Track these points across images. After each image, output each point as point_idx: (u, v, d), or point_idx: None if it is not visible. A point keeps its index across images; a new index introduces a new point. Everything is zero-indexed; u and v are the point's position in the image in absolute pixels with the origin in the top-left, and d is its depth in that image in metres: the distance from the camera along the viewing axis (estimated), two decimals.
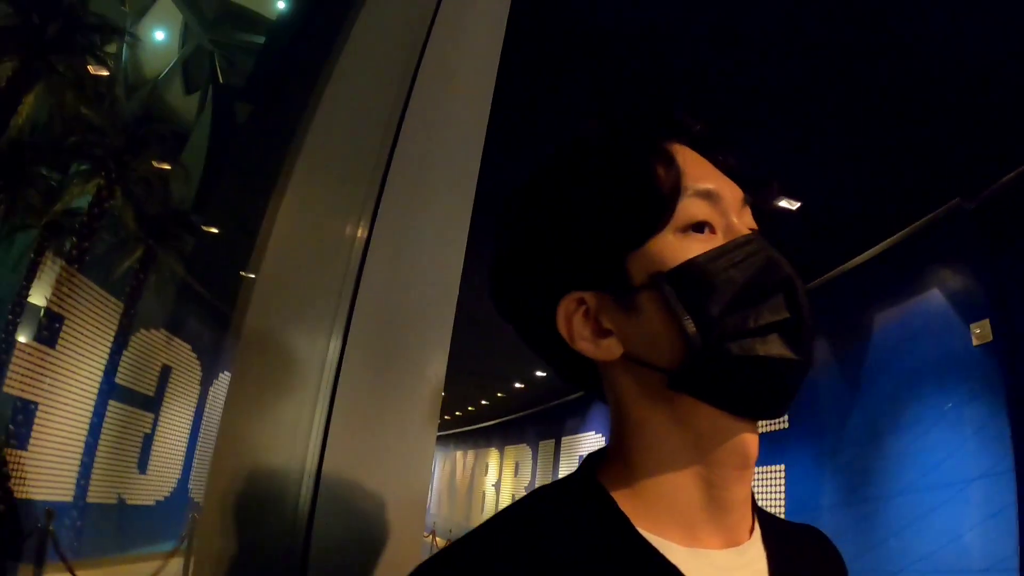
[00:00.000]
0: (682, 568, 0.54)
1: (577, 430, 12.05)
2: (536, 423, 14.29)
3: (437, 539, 11.68)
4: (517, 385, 12.19)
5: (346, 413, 1.12)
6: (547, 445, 13.41)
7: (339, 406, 1.11)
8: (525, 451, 14.65)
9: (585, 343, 0.60)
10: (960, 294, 4.42)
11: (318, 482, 1.07)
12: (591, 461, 0.64)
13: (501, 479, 16.10)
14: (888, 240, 5.12)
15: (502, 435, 16.36)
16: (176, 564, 6.21)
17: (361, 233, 1.24)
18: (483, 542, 0.57)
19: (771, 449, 6.36)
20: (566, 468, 12.16)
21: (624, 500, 0.58)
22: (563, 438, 12.65)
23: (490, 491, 16.63)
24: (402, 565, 1.05)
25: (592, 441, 11.26)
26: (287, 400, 1.13)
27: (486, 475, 17.19)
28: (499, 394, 13.19)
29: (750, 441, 0.58)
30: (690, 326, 0.55)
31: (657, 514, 0.58)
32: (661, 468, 0.59)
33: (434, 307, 1.32)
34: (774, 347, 0.55)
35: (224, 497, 1.06)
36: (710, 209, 0.59)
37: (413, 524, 1.17)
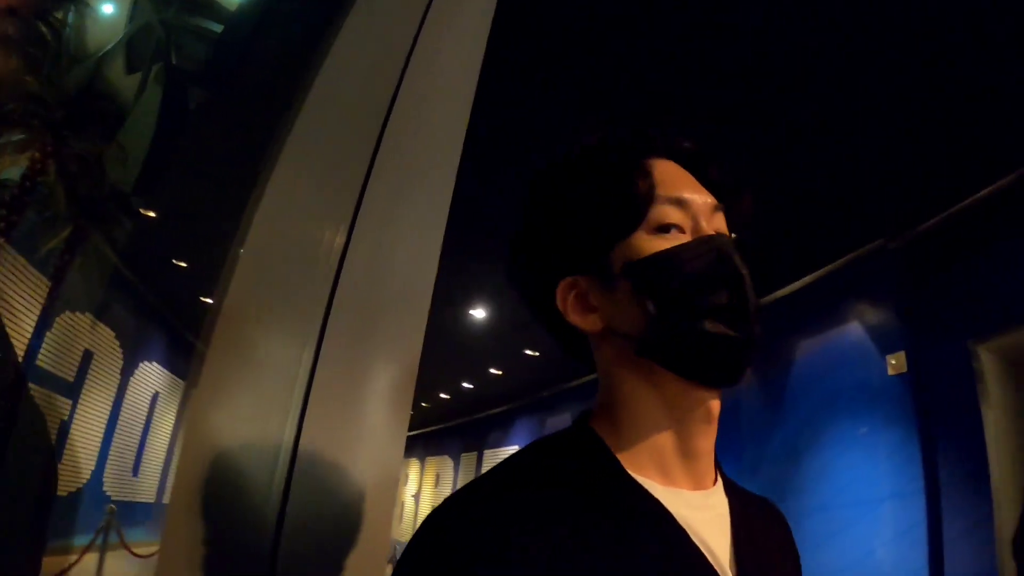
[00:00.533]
0: (663, 502, 0.66)
1: (500, 443, 12.02)
2: (459, 435, 14.21)
3: None
4: (442, 396, 12.16)
5: (319, 417, 1.11)
6: (469, 458, 13.34)
7: (312, 412, 1.11)
8: (447, 463, 14.54)
9: (576, 316, 0.76)
10: (878, 327, 4.68)
11: (287, 493, 1.06)
12: (583, 418, 0.78)
13: (421, 490, 15.92)
14: (813, 274, 5.36)
15: (424, 446, 16.19)
16: (91, 559, 5.81)
17: (339, 239, 1.23)
18: (495, 483, 0.67)
19: None
20: None
21: (614, 447, 0.71)
22: (486, 451, 12.61)
23: (409, 501, 16.42)
24: (372, 555, 1.11)
25: None
26: (258, 408, 1.11)
27: (406, 485, 16.89)
28: (423, 404, 13.11)
29: (711, 401, 0.71)
30: (650, 305, 0.69)
31: (639, 459, 0.70)
32: (640, 421, 0.72)
33: (407, 310, 1.32)
34: (716, 326, 0.68)
35: (192, 491, 1.04)
36: (680, 214, 0.74)
37: (382, 524, 1.17)
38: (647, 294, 0.70)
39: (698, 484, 0.72)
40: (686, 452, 0.71)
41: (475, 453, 13.06)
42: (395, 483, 1.23)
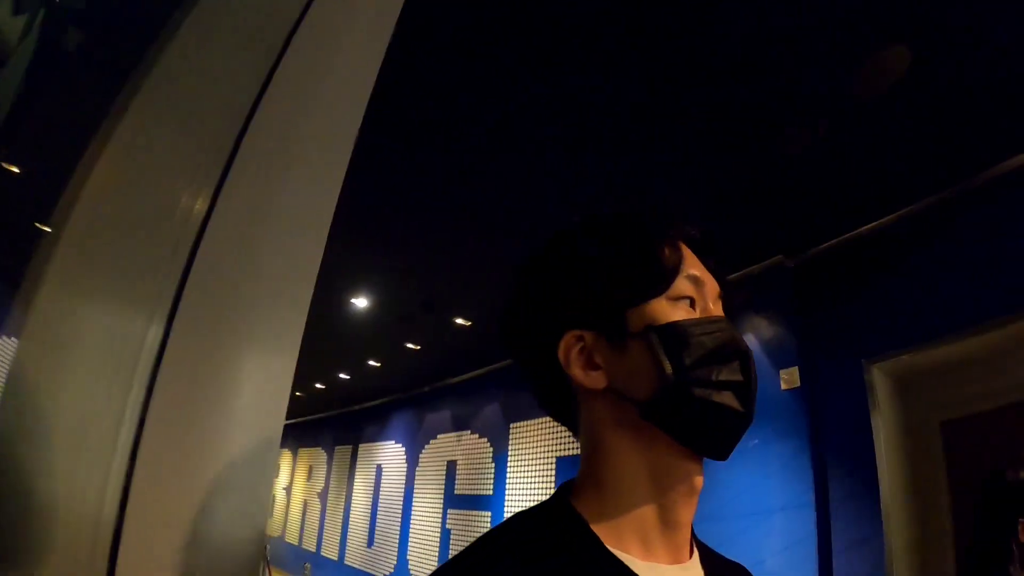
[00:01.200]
0: None
1: (376, 438, 11.71)
2: (333, 427, 13.75)
3: None
4: (318, 385, 11.69)
5: (163, 419, 0.95)
6: (343, 451, 12.91)
7: (155, 411, 0.95)
8: (320, 455, 14.02)
9: (578, 371, 0.77)
10: (773, 342, 4.81)
11: (124, 503, 0.91)
12: (564, 488, 0.79)
13: (293, 483, 15.35)
14: None
15: (297, 437, 15.56)
16: None
17: (200, 205, 1.08)
18: (477, 559, 0.67)
19: (576, 472, 6.49)
20: (363, 476, 11.83)
21: (594, 520, 0.72)
22: (360, 445, 12.25)
23: (281, 494, 15.79)
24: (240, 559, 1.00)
25: (391, 450, 11.00)
26: (86, 390, 0.96)
27: (278, 477, 16.26)
28: (297, 393, 12.58)
29: (697, 475, 0.75)
30: (667, 367, 0.72)
31: (621, 532, 0.72)
32: (625, 489, 0.74)
33: (283, 300, 1.17)
34: (727, 399, 0.72)
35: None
36: (695, 291, 0.78)
37: (250, 529, 1.04)
38: (667, 358, 0.72)
39: (676, 557, 0.75)
40: (668, 523, 0.74)
41: (350, 446, 12.66)
42: (268, 491, 1.11)
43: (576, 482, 0.79)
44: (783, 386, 4.54)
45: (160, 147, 1.13)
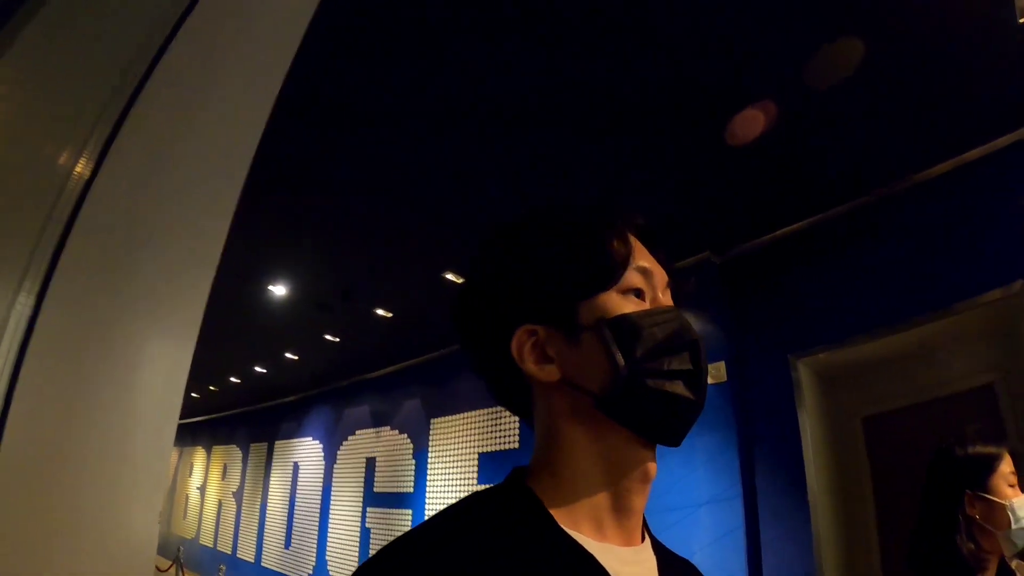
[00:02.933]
0: (597, 557, 0.68)
1: (292, 434, 11.40)
2: (248, 423, 13.31)
3: None
4: (232, 380, 11.28)
5: (29, 413, 0.83)
6: (259, 448, 12.51)
7: (18, 403, 0.82)
8: (235, 453, 13.55)
9: (531, 365, 0.77)
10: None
11: None
12: (518, 471, 0.78)
13: (207, 482, 14.77)
14: None
15: (211, 433, 15.02)
16: None
17: (82, 168, 0.96)
18: (427, 538, 0.66)
19: (500, 468, 6.44)
20: (279, 474, 11.49)
21: (549, 502, 0.72)
22: (276, 442, 11.90)
23: (194, 494, 15.24)
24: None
25: (308, 447, 10.72)
26: None
27: (191, 477, 15.68)
28: (211, 387, 12.15)
29: (650, 462, 0.76)
30: (620, 359, 0.73)
31: (575, 515, 0.72)
32: (580, 476, 0.74)
33: (181, 269, 1.06)
34: (678, 388, 0.73)
35: None
36: (645, 282, 0.79)
37: (140, 526, 0.93)
38: (619, 350, 0.73)
39: (629, 540, 0.76)
40: (621, 509, 0.75)
41: (266, 443, 12.29)
42: (157, 497, 0.98)
43: (530, 468, 0.78)
44: (710, 381, 4.45)
45: (35, 97, 0.98)
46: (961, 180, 3.73)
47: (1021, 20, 2.68)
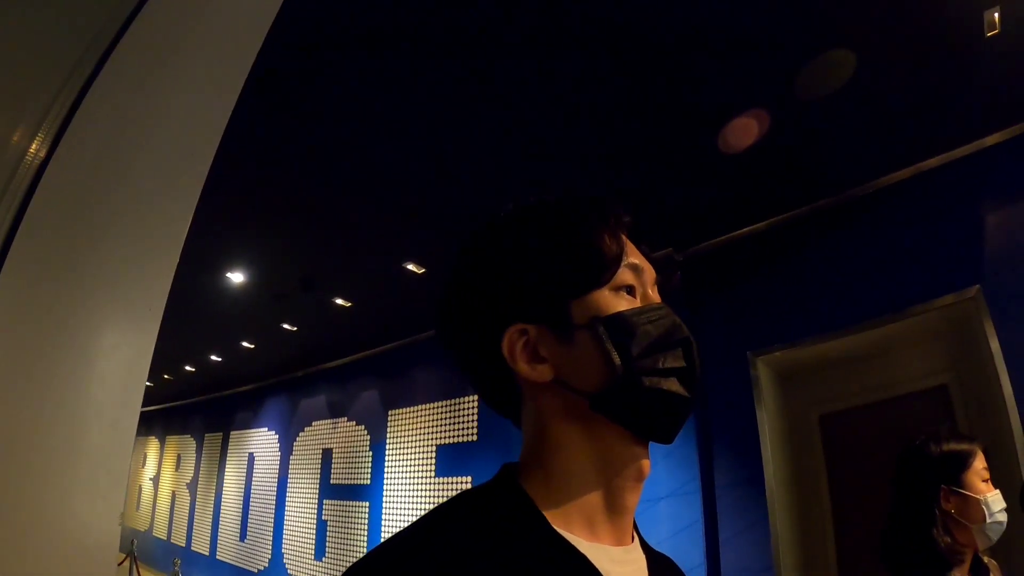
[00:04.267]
0: (588, 557, 0.68)
1: (248, 424, 11.23)
2: (203, 413, 13.08)
3: None
4: (187, 368, 11.08)
5: None
6: (214, 438, 12.30)
7: None
8: (189, 443, 13.30)
9: (523, 365, 0.75)
10: None
11: None
12: (509, 469, 0.78)
13: (161, 472, 14.49)
14: None
15: (164, 423, 14.73)
16: None
17: (36, 148, 0.92)
18: (418, 538, 0.66)
19: (458, 460, 6.42)
20: (234, 464, 11.32)
21: (541, 502, 0.72)
22: (232, 432, 11.72)
23: (148, 485, 14.94)
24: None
25: (264, 438, 10.58)
26: None
27: (144, 467, 15.35)
28: (166, 376, 11.90)
29: (644, 461, 0.76)
30: (616, 359, 0.72)
31: (568, 514, 0.72)
32: (573, 477, 0.74)
33: (141, 268, 1.02)
34: (674, 385, 0.74)
35: None
36: (635, 279, 0.79)
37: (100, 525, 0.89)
38: (615, 349, 0.72)
39: (620, 540, 0.75)
40: (615, 508, 0.75)
41: (220, 434, 12.10)
42: (120, 483, 0.95)
43: (520, 466, 0.78)
44: None
45: None
46: (920, 187, 3.82)
47: (989, 34, 2.73)
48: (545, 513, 0.71)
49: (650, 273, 0.81)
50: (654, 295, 0.81)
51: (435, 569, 0.61)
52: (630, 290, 0.78)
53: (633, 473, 0.75)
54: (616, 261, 0.77)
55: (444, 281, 0.85)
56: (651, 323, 0.74)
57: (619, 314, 0.74)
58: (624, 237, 0.81)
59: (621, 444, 0.74)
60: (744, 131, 3.46)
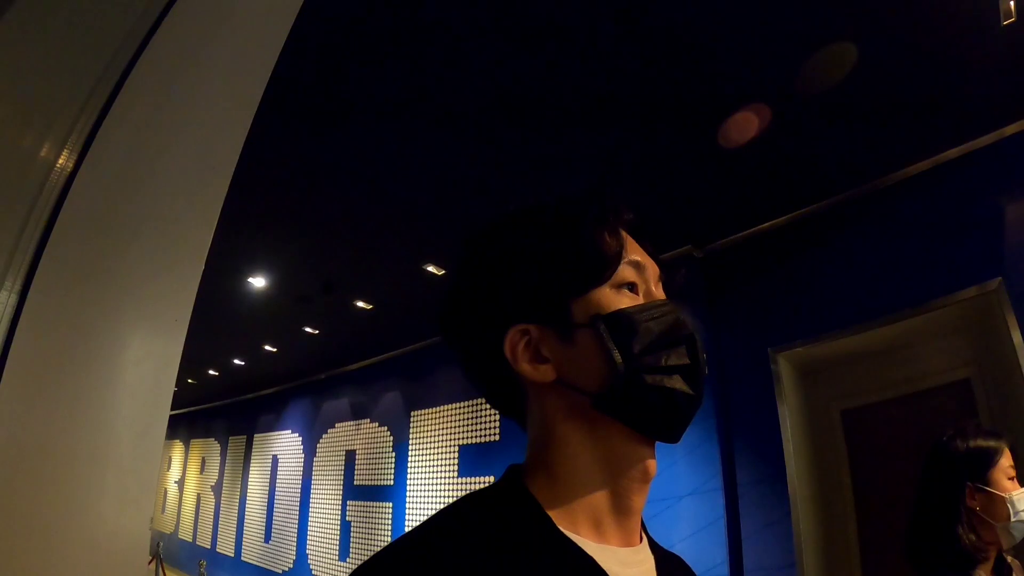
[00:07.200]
0: (596, 559, 0.68)
1: (271, 427, 11.31)
2: (227, 416, 13.19)
3: None
4: (211, 372, 11.17)
5: (12, 411, 0.81)
6: (238, 441, 12.41)
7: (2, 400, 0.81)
8: (213, 446, 13.42)
9: (526, 366, 0.75)
10: None
11: None
12: (515, 471, 0.77)
13: (186, 476, 14.63)
14: None
15: (189, 427, 14.86)
16: None
17: (64, 160, 0.93)
18: (427, 539, 0.66)
19: (480, 461, 6.42)
20: (258, 467, 11.41)
21: (547, 504, 0.71)
22: (256, 435, 11.80)
23: (173, 488, 15.08)
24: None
25: (287, 440, 10.64)
26: None
27: (169, 470, 15.47)
28: (189, 380, 12.01)
29: (650, 460, 0.75)
30: (617, 357, 0.71)
31: (574, 516, 0.71)
32: (578, 477, 0.73)
33: (168, 275, 1.04)
34: (677, 383, 0.72)
35: None
36: (637, 276, 0.78)
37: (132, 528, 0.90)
38: (616, 347, 0.72)
39: (628, 541, 0.74)
40: (622, 509, 0.74)
41: (244, 437, 12.19)
42: (150, 487, 0.98)
43: (525, 467, 0.77)
44: None
45: (14, 87, 0.94)
46: (940, 179, 3.78)
47: (1004, 23, 2.70)
48: (551, 514, 0.71)
49: (653, 270, 0.80)
50: (658, 292, 0.80)
51: (441, 571, 0.61)
52: (632, 287, 0.77)
53: (639, 474, 0.74)
54: (616, 258, 0.76)
55: (446, 284, 0.85)
56: (653, 320, 0.73)
57: (620, 311, 0.73)
58: (625, 234, 0.80)
59: (626, 444, 0.73)
60: (746, 125, 3.45)
